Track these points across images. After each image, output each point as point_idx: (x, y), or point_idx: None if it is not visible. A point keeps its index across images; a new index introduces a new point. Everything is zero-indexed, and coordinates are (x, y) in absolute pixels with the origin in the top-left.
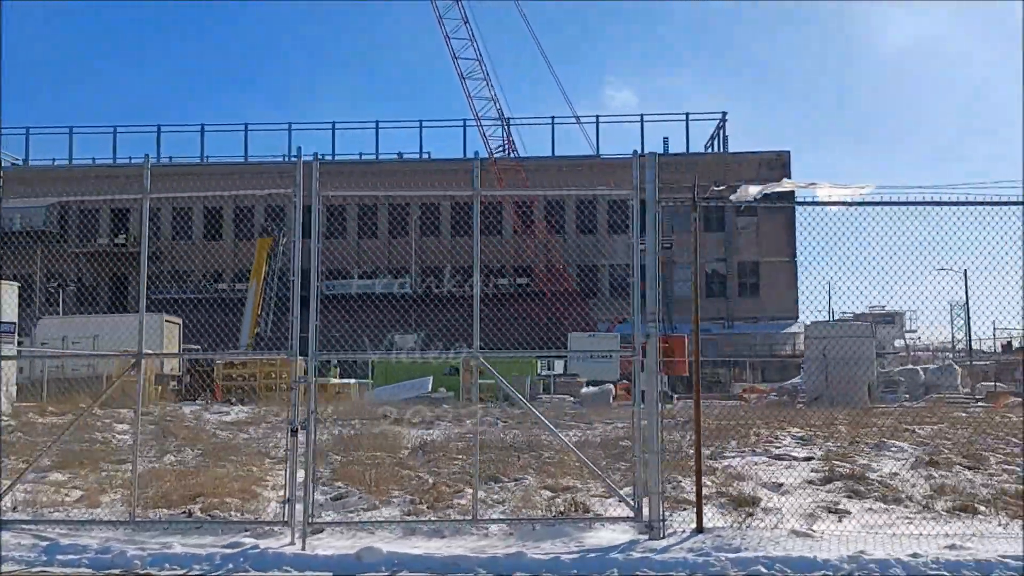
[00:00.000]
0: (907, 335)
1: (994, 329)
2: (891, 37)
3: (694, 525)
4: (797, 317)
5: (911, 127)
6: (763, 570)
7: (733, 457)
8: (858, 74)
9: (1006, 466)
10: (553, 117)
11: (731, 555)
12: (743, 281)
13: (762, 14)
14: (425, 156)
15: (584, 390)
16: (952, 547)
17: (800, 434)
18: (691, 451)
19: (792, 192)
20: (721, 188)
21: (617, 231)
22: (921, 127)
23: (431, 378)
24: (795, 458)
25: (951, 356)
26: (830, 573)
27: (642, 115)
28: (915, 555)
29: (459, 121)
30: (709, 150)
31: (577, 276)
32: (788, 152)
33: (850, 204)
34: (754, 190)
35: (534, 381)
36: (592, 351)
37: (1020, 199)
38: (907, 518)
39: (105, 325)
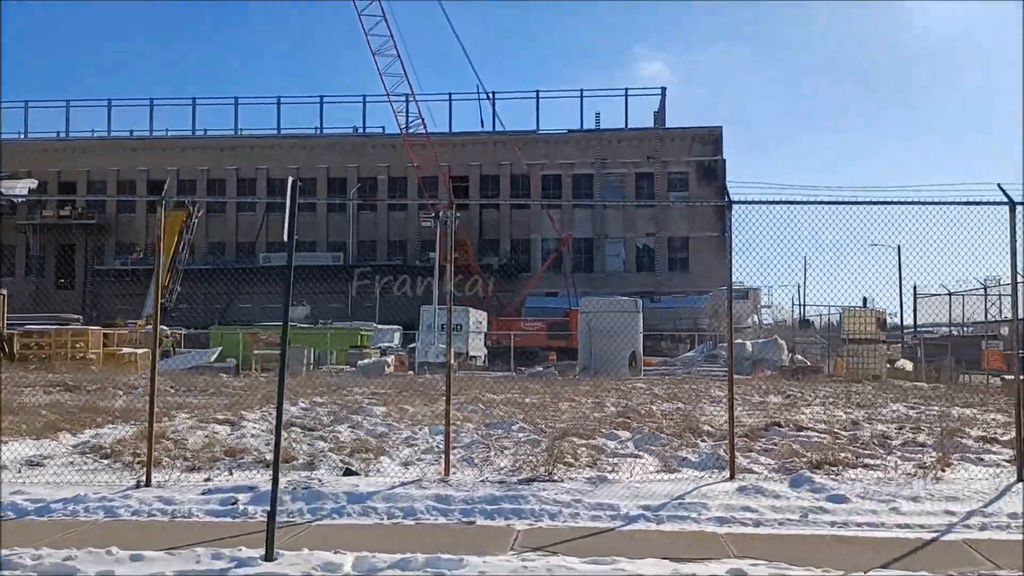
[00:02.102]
0: (762, 310)
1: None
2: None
3: None
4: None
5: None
6: None
7: None
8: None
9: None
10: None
11: None
12: (673, 256)
13: None
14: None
15: (361, 362)
16: None
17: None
18: None
19: None
20: (653, 160)
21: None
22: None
23: (218, 349)
24: None
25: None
26: None
27: (581, 90)
28: None
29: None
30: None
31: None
32: (720, 128)
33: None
34: None
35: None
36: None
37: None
38: None
39: None
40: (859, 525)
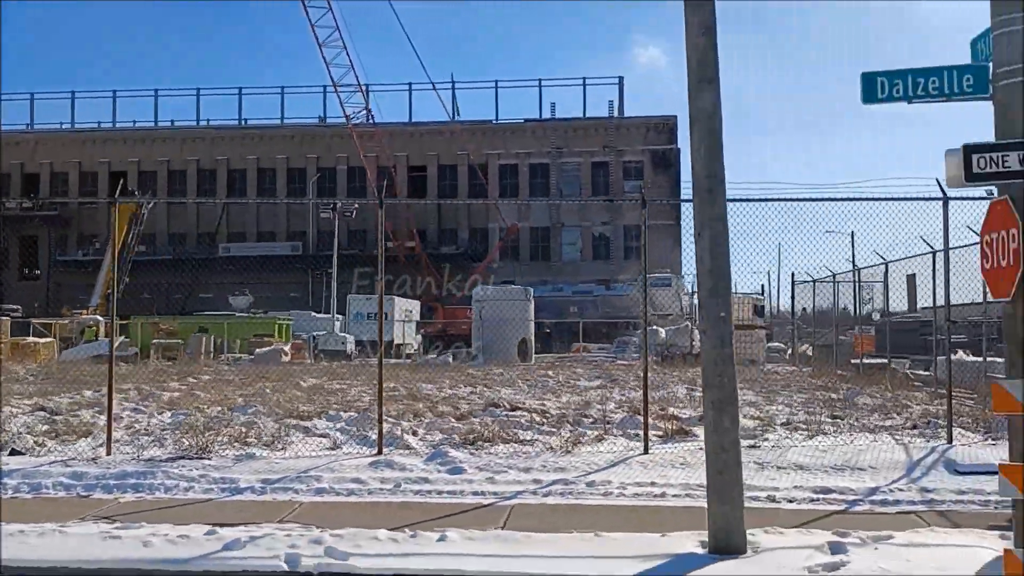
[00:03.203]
0: (684, 297)
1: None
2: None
3: None
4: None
5: None
6: None
7: None
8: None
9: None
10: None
11: None
12: (629, 244)
13: None
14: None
15: (258, 350)
16: None
17: None
18: None
19: None
20: (609, 149)
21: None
22: None
23: (121, 339)
24: None
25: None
26: None
27: (540, 80)
28: None
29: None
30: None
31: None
32: (675, 117)
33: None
34: None
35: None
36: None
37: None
38: None
39: None
40: (440, 493)
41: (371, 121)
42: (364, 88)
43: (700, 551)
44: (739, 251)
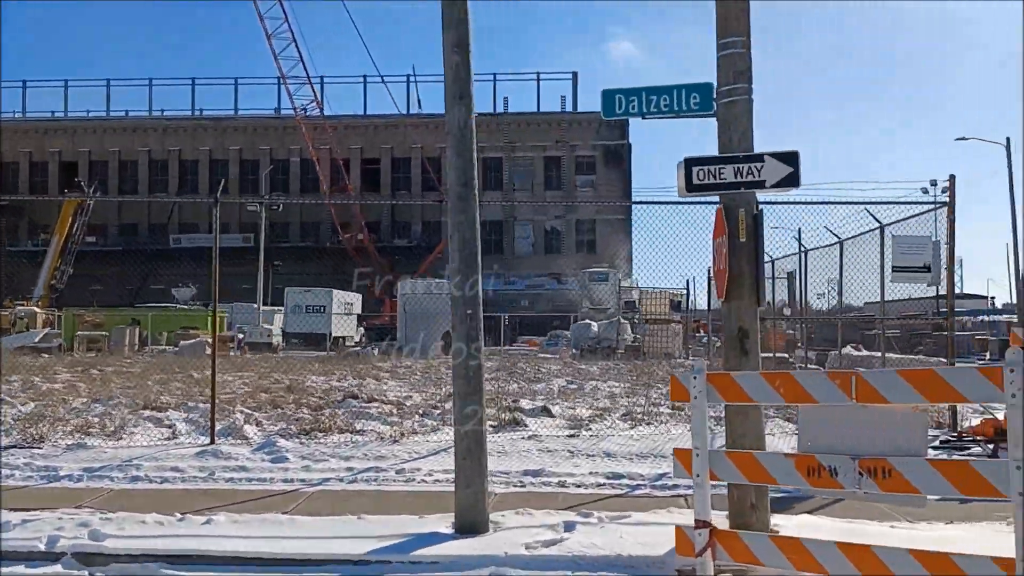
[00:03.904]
0: (622, 292)
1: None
2: None
3: None
4: (631, 273)
5: None
6: None
7: None
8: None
9: None
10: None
11: None
12: (581, 238)
13: None
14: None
15: (183, 342)
16: None
17: None
18: None
19: None
20: (561, 143)
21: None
22: None
23: (45, 331)
24: None
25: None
26: None
27: (494, 74)
28: None
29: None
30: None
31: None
32: None
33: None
34: None
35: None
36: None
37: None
38: None
39: None
40: (251, 480)
41: (321, 114)
42: (313, 81)
43: (446, 531)
44: (663, 247)
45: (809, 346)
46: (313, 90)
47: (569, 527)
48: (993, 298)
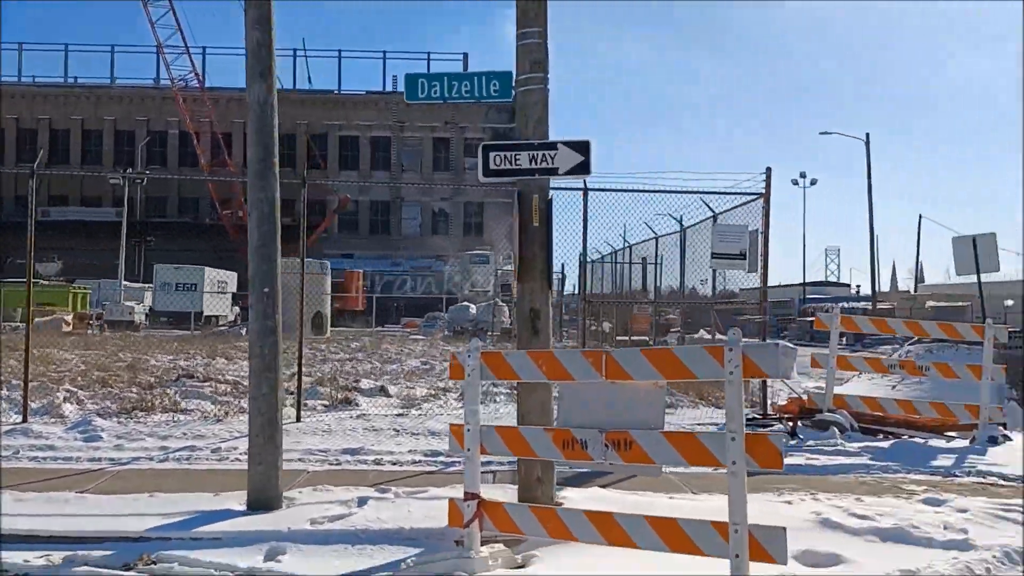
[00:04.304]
0: (499, 275)
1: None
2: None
3: None
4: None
5: None
6: None
7: None
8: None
9: None
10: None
11: None
12: (468, 220)
13: None
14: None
15: (37, 320)
16: None
17: None
18: None
19: None
20: (449, 124)
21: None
22: None
23: None
24: None
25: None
26: None
27: (384, 52)
28: None
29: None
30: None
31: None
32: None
33: None
34: None
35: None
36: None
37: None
38: None
39: None
40: (57, 459)
41: (201, 86)
42: (192, 51)
43: (238, 508)
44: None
45: (685, 330)
46: (191, 61)
47: (362, 502)
48: (859, 286)
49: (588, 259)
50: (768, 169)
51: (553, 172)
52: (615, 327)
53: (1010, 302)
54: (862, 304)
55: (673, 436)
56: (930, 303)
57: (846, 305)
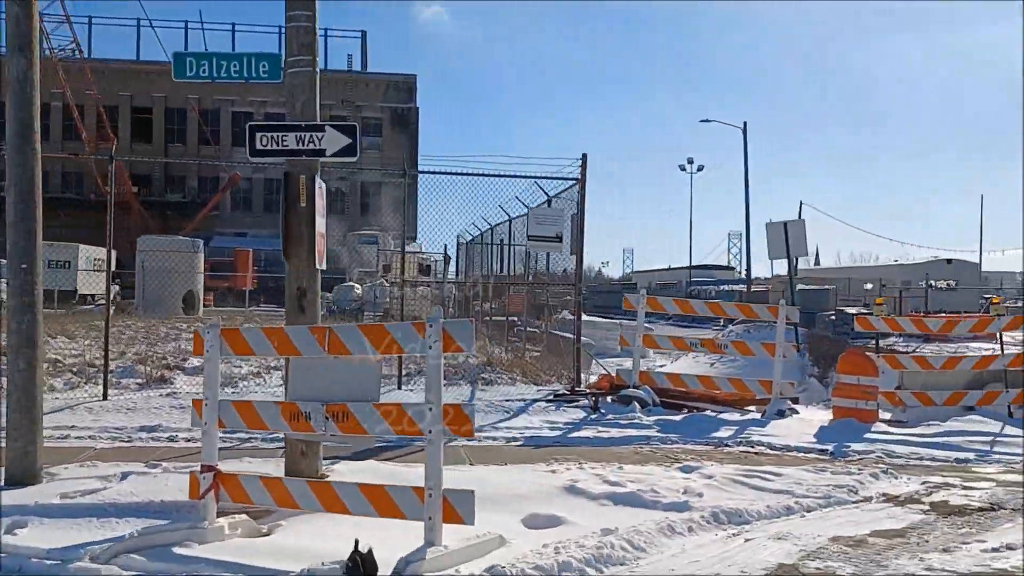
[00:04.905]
0: (381, 253)
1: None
2: None
3: None
4: (416, 236)
5: None
6: None
7: None
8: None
9: None
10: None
11: None
12: (365, 200)
13: None
14: None
15: None
16: None
17: None
18: None
19: None
20: (347, 103)
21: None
22: None
23: None
24: None
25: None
26: None
27: (280, 26)
28: None
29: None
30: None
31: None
32: (415, 76)
33: None
34: None
35: None
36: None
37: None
38: None
39: None
40: None
41: (82, 56)
42: (74, 21)
43: None
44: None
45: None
46: (72, 30)
47: (124, 477)
48: (747, 270)
49: (465, 240)
50: (584, 155)
51: (320, 153)
52: (491, 308)
53: (869, 285)
54: (739, 286)
55: (383, 407)
56: (800, 286)
57: (725, 288)
